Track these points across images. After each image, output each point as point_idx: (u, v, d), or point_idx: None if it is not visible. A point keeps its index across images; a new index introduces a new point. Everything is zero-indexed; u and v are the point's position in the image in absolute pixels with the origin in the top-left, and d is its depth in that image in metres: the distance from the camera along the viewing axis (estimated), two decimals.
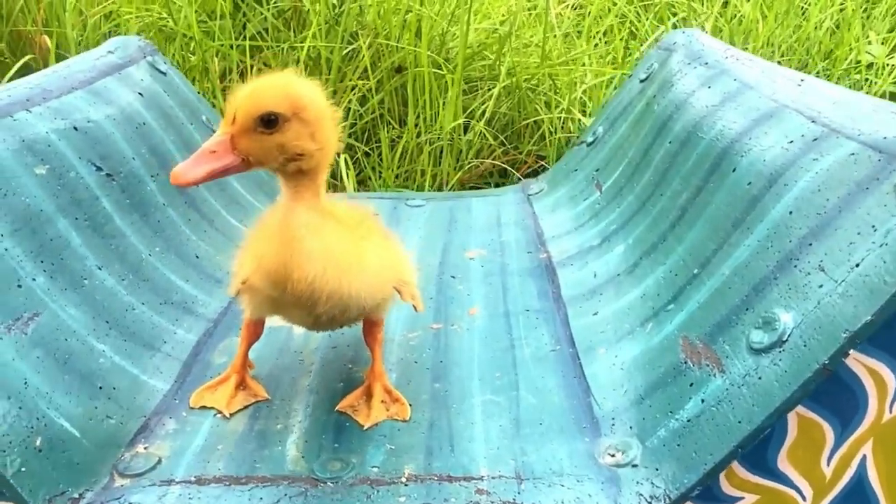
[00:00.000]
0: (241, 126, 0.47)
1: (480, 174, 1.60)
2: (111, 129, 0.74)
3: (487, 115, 1.57)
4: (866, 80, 1.88)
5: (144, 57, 0.90)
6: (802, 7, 2.09)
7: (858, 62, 1.92)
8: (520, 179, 1.55)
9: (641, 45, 1.88)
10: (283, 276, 0.49)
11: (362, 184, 1.51)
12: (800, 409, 0.47)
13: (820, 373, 0.43)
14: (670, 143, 0.75)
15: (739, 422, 0.46)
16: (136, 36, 0.94)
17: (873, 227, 0.45)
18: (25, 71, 1.55)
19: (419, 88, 1.57)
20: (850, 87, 1.89)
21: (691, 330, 0.55)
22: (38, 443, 0.48)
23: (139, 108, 0.81)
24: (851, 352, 0.45)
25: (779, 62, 1.94)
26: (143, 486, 0.50)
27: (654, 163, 0.77)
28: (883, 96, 1.84)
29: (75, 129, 0.69)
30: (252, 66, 1.56)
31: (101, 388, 0.55)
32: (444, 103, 1.57)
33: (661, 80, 0.87)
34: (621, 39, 1.90)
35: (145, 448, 0.53)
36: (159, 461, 0.52)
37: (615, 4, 2.05)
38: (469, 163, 1.57)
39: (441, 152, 1.55)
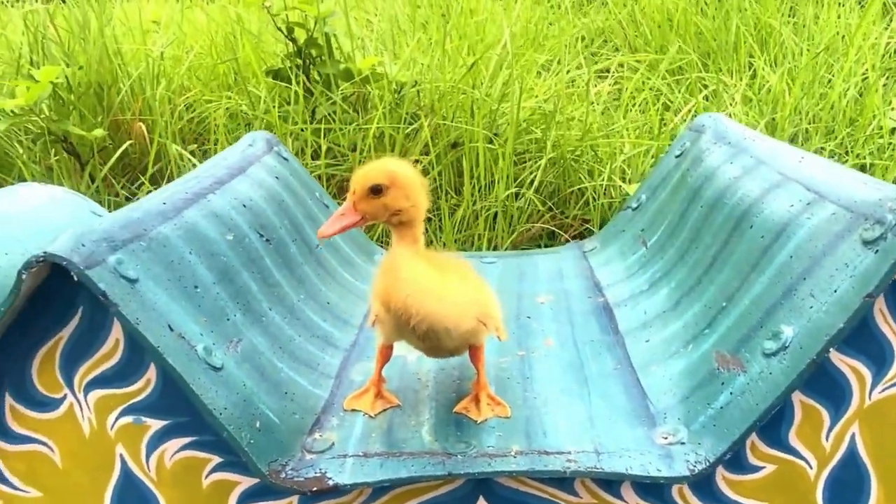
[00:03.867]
0: (359, 195, 0.69)
1: (531, 237, 1.80)
2: (265, 206, 0.96)
3: (536, 183, 1.76)
4: (889, 143, 2.05)
5: (272, 148, 1.13)
6: (827, 77, 2.28)
7: (881, 128, 2.09)
8: (567, 241, 1.74)
9: (675, 115, 2.08)
10: (387, 298, 0.70)
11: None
12: (803, 397, 0.66)
13: (811, 365, 0.61)
14: (702, 207, 0.95)
15: (757, 404, 0.64)
16: (264, 131, 1.17)
17: (846, 264, 0.64)
18: (123, 155, 1.82)
19: (474, 161, 1.78)
20: (873, 150, 2.06)
21: (722, 346, 0.73)
22: (258, 425, 0.68)
23: (278, 189, 1.03)
24: (837, 353, 0.64)
25: (806, 129, 2.12)
26: (327, 459, 0.69)
27: (689, 223, 0.97)
28: None
29: (244, 206, 0.91)
30: (322, 146, 1.79)
31: (286, 392, 0.76)
32: (496, 174, 1.78)
33: (693, 157, 1.08)
34: (656, 111, 2.10)
35: (321, 435, 0.73)
36: (333, 444, 0.72)
37: (649, 79, 2.27)
38: (521, 227, 1.77)
39: (495, 218, 1.75)
